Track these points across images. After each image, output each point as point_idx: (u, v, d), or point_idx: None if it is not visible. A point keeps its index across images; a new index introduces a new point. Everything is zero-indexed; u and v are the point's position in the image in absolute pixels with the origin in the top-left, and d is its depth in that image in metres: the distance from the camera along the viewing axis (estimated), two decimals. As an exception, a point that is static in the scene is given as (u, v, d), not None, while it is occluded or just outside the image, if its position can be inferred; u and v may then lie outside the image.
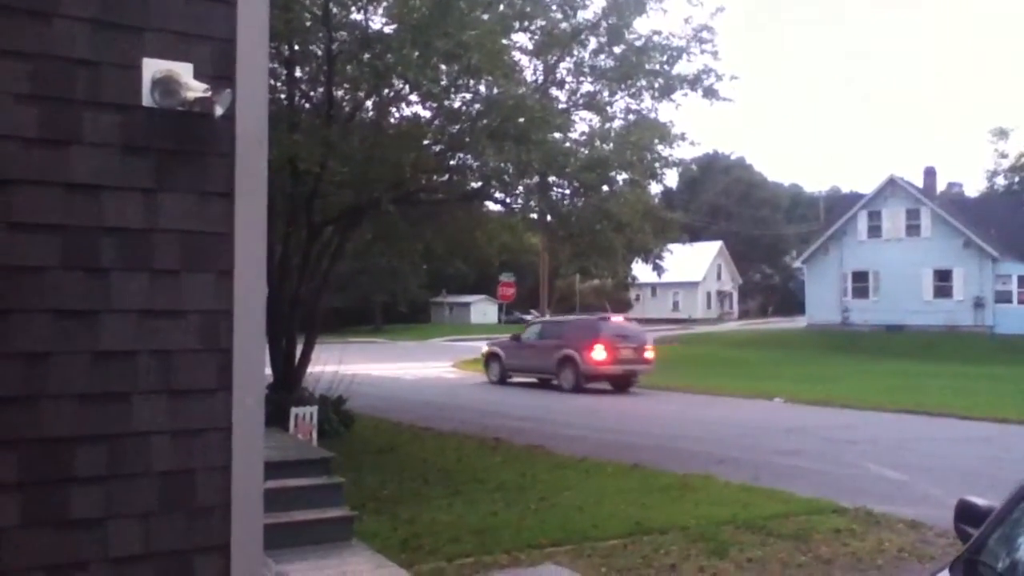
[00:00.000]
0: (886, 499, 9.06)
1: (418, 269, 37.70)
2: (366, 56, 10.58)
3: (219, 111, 2.71)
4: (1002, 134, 64.81)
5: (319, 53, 11.38)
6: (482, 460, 11.18)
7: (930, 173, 44.06)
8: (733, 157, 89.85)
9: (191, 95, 2.69)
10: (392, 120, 12.65)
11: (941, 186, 47.34)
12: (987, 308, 37.05)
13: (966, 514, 3.38)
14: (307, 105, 12.39)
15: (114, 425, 2.63)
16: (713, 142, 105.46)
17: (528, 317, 62.80)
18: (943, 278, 38.60)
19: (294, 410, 9.36)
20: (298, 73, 12.05)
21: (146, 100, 2.70)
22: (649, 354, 22.11)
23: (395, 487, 9.23)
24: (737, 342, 40.65)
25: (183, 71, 2.73)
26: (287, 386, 12.32)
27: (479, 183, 12.26)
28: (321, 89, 11.92)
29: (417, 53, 9.65)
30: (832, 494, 9.18)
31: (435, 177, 12.78)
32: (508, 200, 13.23)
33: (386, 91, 11.44)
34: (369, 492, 8.68)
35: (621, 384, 21.84)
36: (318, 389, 12.91)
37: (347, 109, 12.13)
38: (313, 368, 13.12)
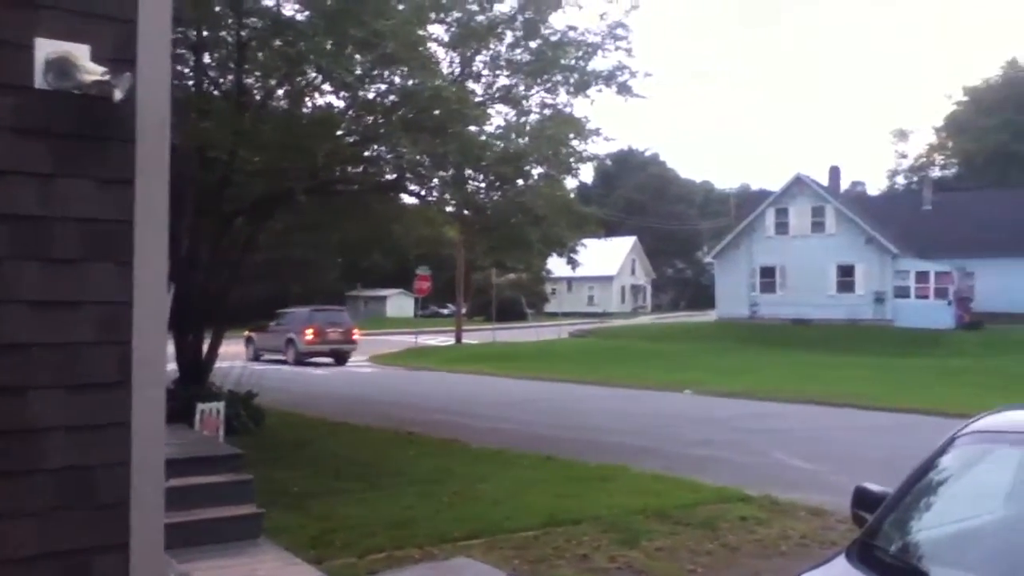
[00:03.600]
0: (792, 487, 9.34)
1: (334, 262, 37.18)
2: (278, 43, 10.36)
3: (118, 95, 2.60)
4: (902, 135, 67.65)
5: (229, 39, 11.09)
6: (397, 454, 11.11)
7: (834, 172, 45.66)
8: (647, 154, 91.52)
9: (88, 78, 2.58)
10: (306, 109, 12.44)
11: (845, 185, 49.23)
12: (887, 302, 38.57)
13: (862, 500, 3.52)
14: (217, 92, 12.07)
15: (7, 420, 2.51)
16: (628, 138, 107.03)
17: (444, 311, 62.75)
18: (846, 273, 40.03)
19: (200, 405, 9.10)
20: (207, 59, 11.72)
21: (39, 82, 2.58)
22: (355, 336, 29.20)
23: (307, 483, 9.08)
24: (650, 335, 41.36)
25: (79, 53, 2.61)
26: (194, 380, 12.00)
27: (394, 175, 12.16)
28: (231, 76, 11.63)
29: (331, 42, 9.50)
30: (740, 483, 9.42)
31: (350, 168, 12.61)
32: (423, 192, 13.16)
33: (299, 79, 11.23)
34: (279, 488, 8.52)
35: (338, 359, 28.27)
36: (226, 384, 12.61)
37: (258, 97, 11.87)
38: (222, 362, 12.81)
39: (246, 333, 30.42)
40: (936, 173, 60.94)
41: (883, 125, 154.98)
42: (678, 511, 8.05)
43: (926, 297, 38.00)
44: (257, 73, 11.52)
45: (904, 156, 66.54)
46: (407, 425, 13.49)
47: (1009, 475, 3.28)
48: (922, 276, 38.15)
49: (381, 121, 11.07)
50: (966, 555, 2.97)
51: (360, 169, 12.80)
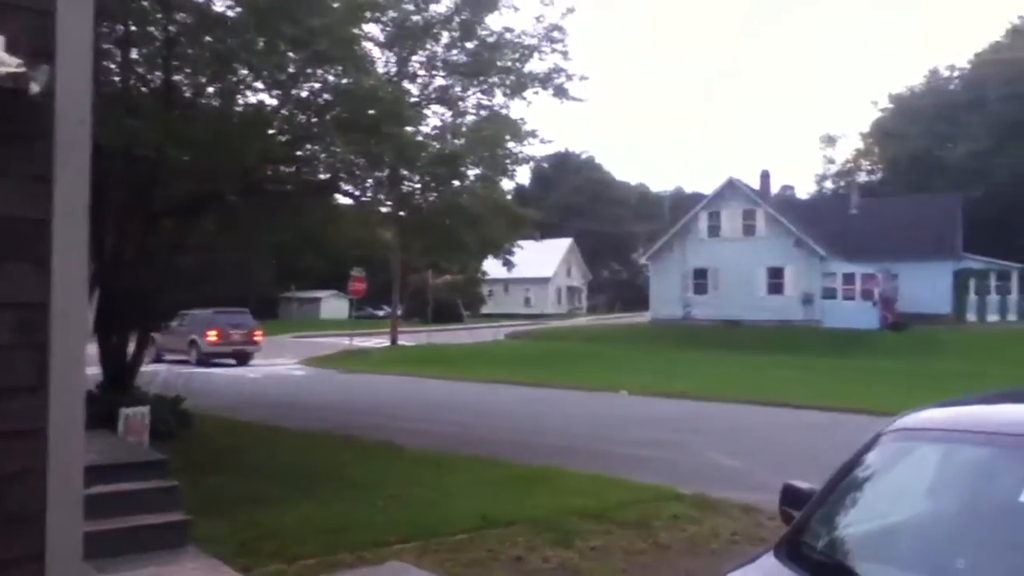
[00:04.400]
0: (723, 485, 9.49)
1: (268, 263, 36.51)
2: (208, 39, 10.13)
3: (35, 88, 2.50)
4: (830, 141, 69.42)
5: (157, 35, 10.81)
6: (331, 458, 10.95)
7: (765, 176, 46.65)
8: (583, 156, 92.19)
9: (2, 70, 2.47)
10: (237, 107, 12.19)
11: (775, 188, 50.27)
12: (815, 304, 39.53)
13: (790, 497, 3.58)
14: (144, 89, 11.75)
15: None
16: (565, 141, 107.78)
17: (380, 313, 62.20)
18: (776, 275, 40.91)
19: (124, 411, 8.84)
20: (134, 55, 11.40)
21: (-52, 74, 2.46)
22: (258, 337, 29.72)
23: (237, 488, 8.88)
24: (586, 336, 41.67)
25: (-8, 43, 2.51)
26: (118, 385, 11.65)
27: (328, 175, 12.00)
28: (160, 73, 11.33)
29: (263, 39, 9.33)
30: (673, 481, 9.54)
31: (282, 168, 12.41)
32: (358, 193, 13.02)
33: (230, 77, 11.00)
34: (209, 494, 8.32)
35: (239, 359, 28.79)
36: (153, 388, 12.29)
37: (188, 94, 11.59)
38: (147, 366, 12.46)
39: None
40: (863, 178, 62.74)
41: (812, 131, 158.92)
42: (612, 511, 8.11)
43: (852, 298, 39.04)
44: (186, 70, 11.26)
45: (832, 161, 68.36)
46: (341, 429, 13.33)
47: (929, 472, 3.37)
48: (848, 278, 39.20)
49: (314, 120, 10.92)
50: (889, 550, 3.05)
51: (293, 169, 12.60)
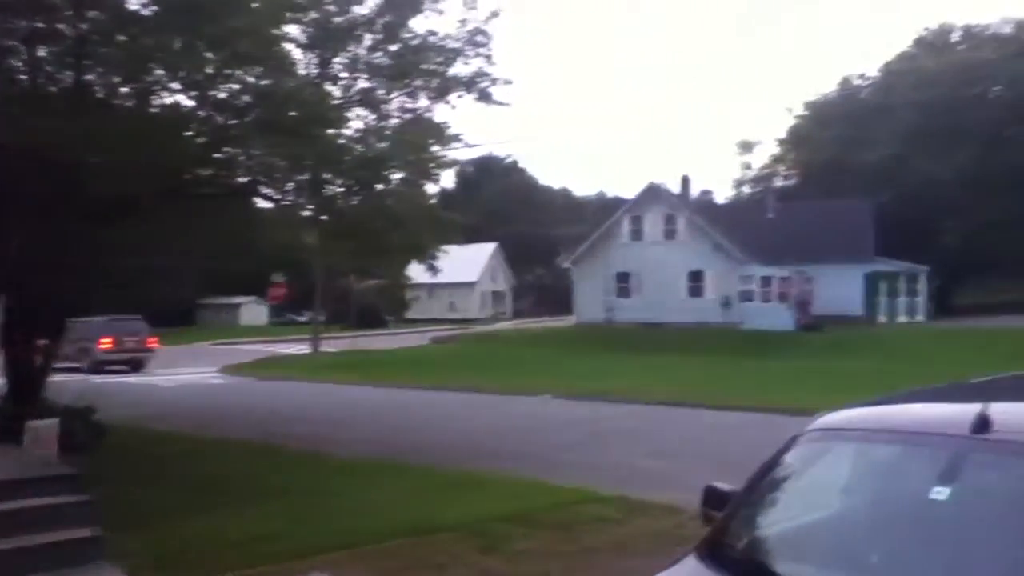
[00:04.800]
0: (646, 486, 9.57)
1: (189, 269, 35.55)
2: (122, 38, 9.80)
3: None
4: (747, 147, 71.04)
5: (68, 33, 10.41)
6: (252, 467, 10.72)
7: (685, 181, 47.64)
8: (508, 160, 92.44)
9: None
10: (153, 109, 11.83)
11: (695, 193, 51.32)
12: (733, 306, 40.42)
13: (711, 499, 3.63)
14: (53, 88, 11.31)
15: None
16: (490, 145, 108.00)
17: (300, 318, 61.27)
18: (696, 279, 41.70)
19: (31, 423, 8.46)
20: (42, 53, 10.96)
21: None
22: (152, 344, 30.05)
23: (154, 501, 8.62)
24: (511, 340, 41.78)
25: None
26: (26, 396, 11.18)
27: (248, 178, 11.74)
28: (70, 72, 10.92)
29: (180, 39, 9.07)
30: (597, 484, 9.60)
31: (201, 171, 12.09)
32: (279, 197, 12.78)
33: (145, 77, 10.67)
34: (123, 507, 8.03)
35: (133, 366, 28.98)
36: (63, 399, 11.83)
37: (100, 95, 11.20)
38: (56, 376, 12.00)
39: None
40: (779, 183, 64.38)
41: (731, 137, 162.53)
42: (537, 514, 8.13)
43: (769, 301, 40.04)
44: (99, 70, 10.87)
45: (750, 167, 69.91)
46: (261, 438, 13.07)
47: (845, 471, 3.46)
48: (766, 281, 40.20)
49: (233, 122, 10.66)
50: (807, 549, 3.11)
51: (212, 172, 12.29)
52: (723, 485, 3.67)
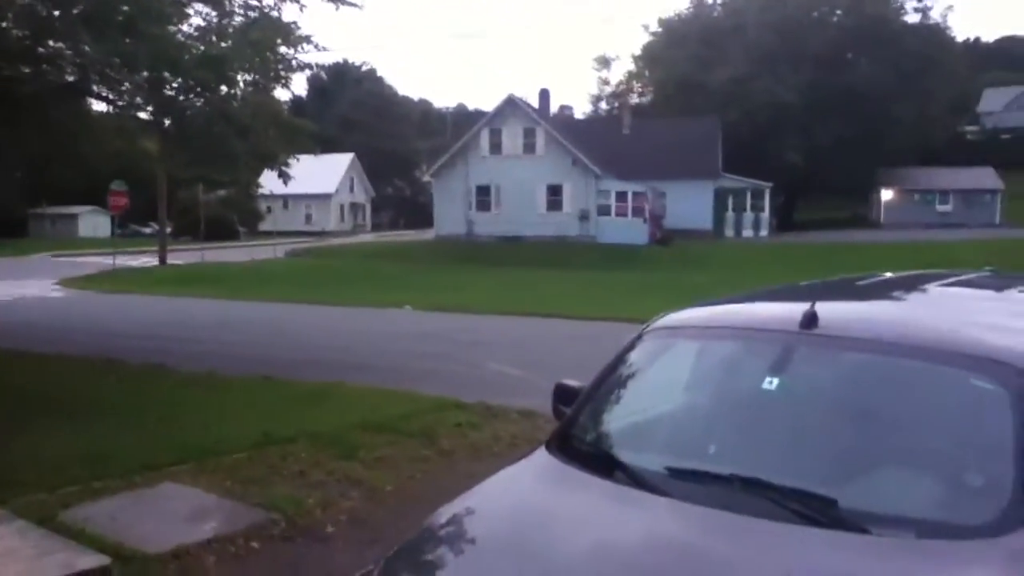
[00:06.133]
0: (504, 393, 9.77)
1: (12, 176, 33.01)
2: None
3: None
4: (605, 63, 71.73)
5: None
6: (95, 383, 10.23)
7: (544, 95, 47.54)
8: (364, 69, 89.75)
9: None
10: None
11: (554, 108, 51.49)
12: (591, 220, 41.27)
13: (562, 396, 3.73)
14: None
15: None
16: (344, 51, 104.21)
17: (147, 230, 58.35)
18: (555, 193, 42.21)
19: None
20: None
21: None
22: None
23: (-16, 420, 8.11)
24: (370, 254, 41.33)
25: None
26: None
27: (76, 77, 10.84)
28: None
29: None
30: (456, 392, 9.71)
31: (22, 67, 11.06)
32: (113, 97, 11.90)
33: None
34: (-51, 428, 7.55)
35: None
36: None
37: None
38: None
39: None
40: (634, 100, 65.46)
41: (589, 52, 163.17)
42: (396, 422, 8.16)
43: (625, 215, 41.10)
44: None
45: (607, 83, 70.69)
46: (105, 352, 12.46)
47: (686, 366, 3.61)
48: (621, 196, 41.16)
49: (58, 14, 9.75)
50: (649, 440, 3.25)
51: (34, 69, 11.26)
52: (573, 382, 3.78)
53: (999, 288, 4.10)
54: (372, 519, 5.77)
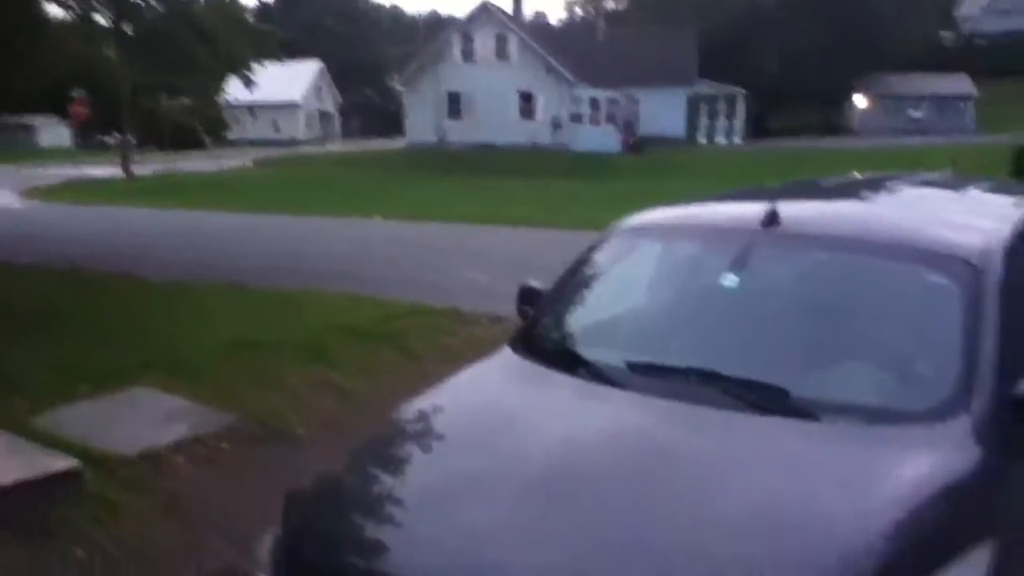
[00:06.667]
0: (475, 299, 9.78)
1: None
2: None
3: None
4: (579, -34, 69.74)
5: None
6: (60, 294, 10.13)
7: (517, 0, 46.44)
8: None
9: None
10: None
11: (528, 13, 50.39)
12: (564, 128, 40.89)
13: (527, 296, 3.79)
14: None
15: None
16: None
17: (110, 140, 57.04)
18: (527, 100, 41.68)
19: None
20: None
21: None
22: None
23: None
24: (340, 163, 40.73)
25: None
26: None
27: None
28: None
29: None
30: (427, 298, 9.73)
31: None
32: (71, 3, 11.48)
33: None
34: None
35: None
36: None
37: None
38: None
39: None
40: (610, 5, 64.10)
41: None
42: (367, 327, 8.19)
43: (598, 123, 40.75)
44: None
45: (583, -12, 68.96)
46: (71, 263, 12.30)
47: (651, 265, 3.66)
48: (594, 103, 40.75)
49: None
50: (613, 337, 3.31)
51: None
52: (537, 283, 3.82)
53: (956, 188, 4.17)
54: (344, 421, 5.85)
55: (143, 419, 5.61)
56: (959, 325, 2.61)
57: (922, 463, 2.29)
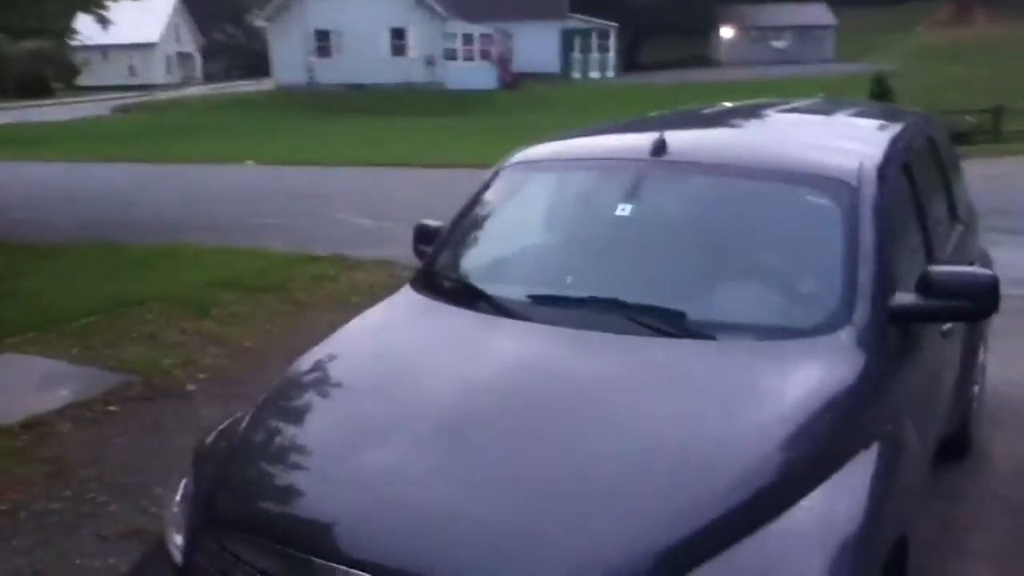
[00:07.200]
0: (359, 245, 9.69)
1: None
2: None
3: None
4: None
5: None
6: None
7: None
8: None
9: None
10: None
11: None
12: (437, 65, 40.23)
13: (422, 235, 3.75)
14: None
15: None
16: None
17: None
18: (399, 36, 40.71)
19: None
20: None
21: None
22: None
23: None
24: (203, 107, 38.98)
25: None
26: None
27: None
28: None
29: None
30: (308, 246, 9.57)
31: None
32: None
33: None
34: None
35: None
36: None
37: None
38: None
39: None
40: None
41: None
42: (248, 278, 8.00)
43: (472, 59, 40.27)
44: None
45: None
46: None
47: (544, 198, 3.68)
48: (468, 39, 40.16)
49: None
50: (511, 270, 3.32)
51: None
52: (433, 222, 3.79)
53: (829, 113, 4.35)
54: (233, 375, 5.72)
55: (21, 386, 5.34)
56: (840, 243, 2.75)
57: (812, 372, 2.44)
